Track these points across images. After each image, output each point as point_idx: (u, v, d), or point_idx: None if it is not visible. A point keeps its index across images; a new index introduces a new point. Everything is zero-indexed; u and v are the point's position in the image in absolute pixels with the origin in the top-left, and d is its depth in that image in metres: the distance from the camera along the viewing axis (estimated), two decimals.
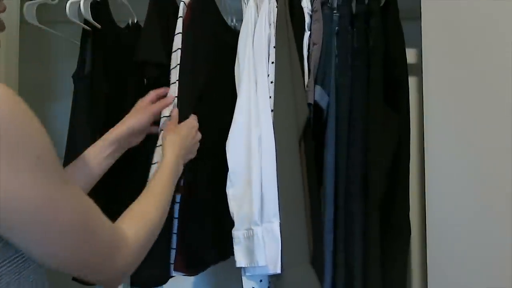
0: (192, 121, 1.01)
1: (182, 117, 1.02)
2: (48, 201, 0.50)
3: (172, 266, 1.07)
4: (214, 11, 1.17)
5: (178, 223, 1.07)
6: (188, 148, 0.97)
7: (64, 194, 0.53)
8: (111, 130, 0.98)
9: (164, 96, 1.07)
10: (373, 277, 1.05)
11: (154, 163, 1.04)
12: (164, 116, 1.06)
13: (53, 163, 0.52)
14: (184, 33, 1.05)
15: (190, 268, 1.09)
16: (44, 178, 0.50)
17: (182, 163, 0.94)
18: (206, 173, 1.09)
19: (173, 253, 1.07)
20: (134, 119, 1.01)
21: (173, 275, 1.09)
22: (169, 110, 1.05)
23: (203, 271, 1.15)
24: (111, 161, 0.97)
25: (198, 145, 1.01)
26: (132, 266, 0.65)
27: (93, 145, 0.95)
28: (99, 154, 0.94)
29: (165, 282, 1.10)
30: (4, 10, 0.67)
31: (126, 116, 1.02)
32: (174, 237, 1.07)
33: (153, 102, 1.05)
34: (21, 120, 0.49)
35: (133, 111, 1.03)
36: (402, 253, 1.15)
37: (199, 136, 1.01)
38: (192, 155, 1.00)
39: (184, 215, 1.07)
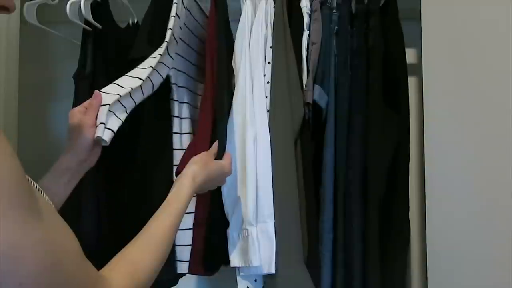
0: (228, 167, 0.92)
1: (221, 135, 0.95)
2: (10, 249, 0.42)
3: (177, 263, 1.05)
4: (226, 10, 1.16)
5: (195, 225, 1.05)
6: (206, 189, 0.90)
7: (30, 239, 0.44)
8: (61, 159, 0.85)
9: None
10: (372, 277, 1.05)
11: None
12: None
13: (20, 198, 0.44)
14: (214, 38, 1.04)
15: (208, 269, 1.08)
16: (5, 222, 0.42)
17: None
18: None
19: (186, 250, 1.06)
20: (73, 143, 0.85)
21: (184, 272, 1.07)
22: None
23: (217, 270, 1.14)
24: (72, 186, 0.86)
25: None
26: None
27: (46, 175, 0.83)
28: (55, 184, 0.82)
29: (176, 283, 1.09)
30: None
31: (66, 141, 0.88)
32: (189, 233, 1.05)
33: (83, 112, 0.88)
34: None
35: (68, 133, 0.87)
36: (402, 253, 1.15)
37: (224, 182, 0.94)
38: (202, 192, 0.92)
39: (204, 216, 1.05)
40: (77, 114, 0.86)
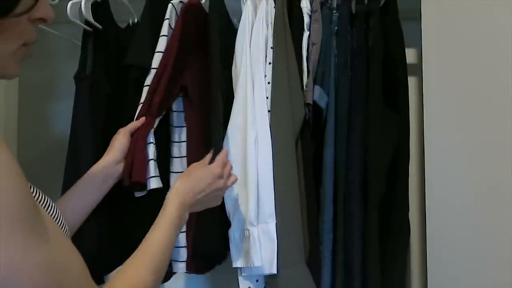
0: (216, 169, 0.90)
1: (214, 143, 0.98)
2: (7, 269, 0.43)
3: (174, 264, 1.07)
4: (222, 12, 1.15)
5: (188, 223, 1.04)
6: (200, 201, 0.88)
7: (31, 262, 0.45)
8: (97, 162, 0.96)
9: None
10: (372, 277, 1.05)
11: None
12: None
13: (23, 220, 0.45)
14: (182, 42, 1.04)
15: (201, 267, 1.09)
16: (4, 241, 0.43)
17: (188, 211, 0.85)
18: None
19: (183, 251, 1.07)
20: (111, 147, 0.98)
21: (176, 271, 1.09)
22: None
23: (212, 268, 1.14)
24: (103, 192, 0.94)
25: (220, 195, 0.92)
26: None
27: (82, 178, 0.93)
28: (89, 184, 0.92)
29: (168, 279, 1.10)
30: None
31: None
32: (183, 235, 1.06)
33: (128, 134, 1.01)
34: None
35: (110, 144, 1.00)
36: (402, 253, 1.15)
37: (220, 184, 0.90)
38: (212, 205, 0.92)
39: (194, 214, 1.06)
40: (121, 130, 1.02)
